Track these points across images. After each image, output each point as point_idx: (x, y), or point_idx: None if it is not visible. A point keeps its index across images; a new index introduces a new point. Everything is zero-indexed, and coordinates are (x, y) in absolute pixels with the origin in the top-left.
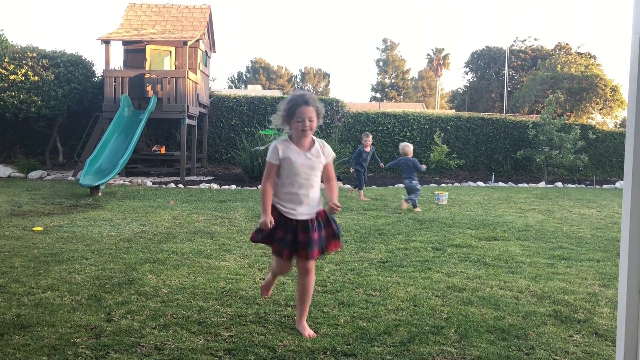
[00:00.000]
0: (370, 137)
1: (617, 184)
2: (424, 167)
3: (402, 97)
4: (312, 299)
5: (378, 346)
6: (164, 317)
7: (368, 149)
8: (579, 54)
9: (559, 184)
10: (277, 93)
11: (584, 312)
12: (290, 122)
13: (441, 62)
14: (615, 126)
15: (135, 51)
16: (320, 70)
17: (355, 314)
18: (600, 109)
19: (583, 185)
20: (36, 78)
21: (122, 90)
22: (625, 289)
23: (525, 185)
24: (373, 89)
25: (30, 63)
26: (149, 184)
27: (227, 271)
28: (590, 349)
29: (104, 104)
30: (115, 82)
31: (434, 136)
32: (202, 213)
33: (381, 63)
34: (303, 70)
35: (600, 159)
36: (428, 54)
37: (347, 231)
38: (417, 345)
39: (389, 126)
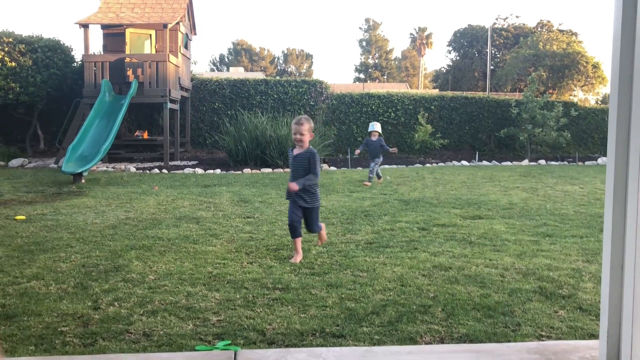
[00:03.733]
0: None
1: (599, 161)
2: (394, 149)
3: (385, 77)
4: (300, 281)
5: (366, 326)
6: (152, 304)
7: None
8: (560, 31)
9: (542, 162)
10: (260, 75)
11: (568, 287)
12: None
13: (424, 42)
14: (597, 103)
15: (114, 35)
16: (303, 51)
17: (343, 295)
18: (582, 86)
19: (566, 162)
20: (13, 64)
21: (103, 75)
22: (608, 264)
23: (509, 163)
24: (357, 70)
25: (7, 49)
26: (133, 169)
27: (214, 256)
28: (574, 323)
29: (85, 89)
30: (95, 67)
31: (418, 116)
32: (187, 198)
33: (364, 43)
34: (286, 52)
35: (583, 135)
36: (411, 34)
37: (333, 213)
38: (405, 325)
39: (373, 107)
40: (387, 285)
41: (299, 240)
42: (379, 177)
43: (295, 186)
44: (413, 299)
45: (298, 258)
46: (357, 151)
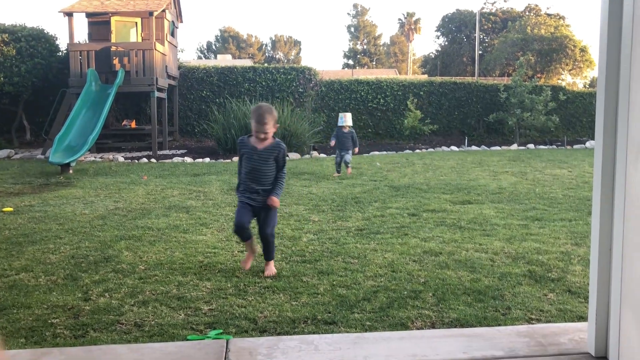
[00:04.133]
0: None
1: (588, 144)
2: (356, 149)
3: (374, 63)
4: (291, 269)
5: (358, 313)
6: (143, 294)
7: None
8: (548, 15)
9: (531, 146)
10: (247, 62)
11: (557, 271)
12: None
13: (412, 27)
14: (585, 86)
15: (99, 23)
16: (291, 37)
17: (334, 282)
18: (570, 70)
19: (554, 146)
20: None
21: (88, 64)
22: (597, 247)
23: (498, 148)
24: (345, 56)
25: None
26: (121, 159)
27: (204, 245)
28: (564, 306)
29: (70, 79)
30: (80, 56)
31: (407, 102)
32: (176, 187)
33: (352, 29)
34: (273, 39)
35: (571, 119)
36: (399, 19)
37: (324, 200)
38: (396, 310)
39: (362, 93)
40: (378, 271)
41: (250, 242)
42: (347, 164)
43: (277, 202)
44: (404, 284)
45: (249, 263)
46: (332, 142)
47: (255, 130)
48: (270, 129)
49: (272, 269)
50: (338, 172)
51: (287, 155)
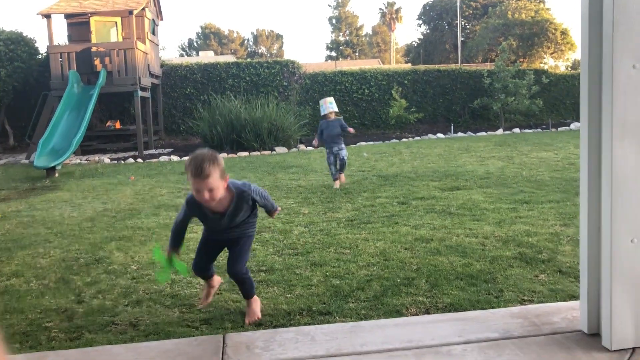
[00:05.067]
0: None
1: (572, 126)
2: (350, 129)
3: (357, 54)
4: (284, 262)
5: (352, 302)
6: (136, 293)
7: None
8: None
9: (517, 130)
10: (230, 58)
11: (547, 252)
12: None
13: (394, 16)
14: (567, 69)
15: (79, 24)
16: (272, 32)
17: (327, 273)
18: (552, 53)
19: (539, 130)
20: None
21: (69, 66)
22: (585, 226)
23: (484, 133)
24: (328, 48)
25: None
26: (107, 160)
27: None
28: (555, 286)
29: (52, 81)
30: (61, 58)
31: (392, 91)
32: (164, 186)
33: (334, 21)
34: (255, 33)
35: (555, 102)
36: (380, 9)
37: (313, 192)
38: (390, 298)
39: (346, 85)
40: (370, 260)
41: (212, 279)
42: (342, 166)
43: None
44: (397, 272)
45: (209, 299)
46: (315, 142)
47: (196, 190)
48: (216, 184)
49: (255, 310)
50: (336, 178)
51: (259, 194)
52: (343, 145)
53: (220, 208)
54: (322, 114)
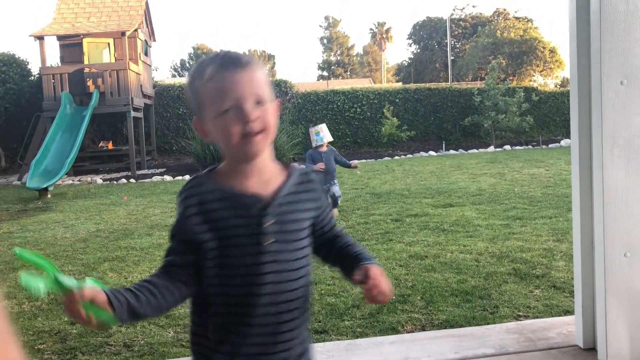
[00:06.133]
0: (325, 134)
1: (562, 142)
2: (354, 162)
3: (348, 73)
4: None
5: (348, 320)
6: None
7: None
8: (516, 18)
9: (507, 147)
10: None
11: (541, 267)
12: None
13: (384, 36)
14: (556, 86)
15: (71, 45)
16: (264, 52)
17: (323, 291)
18: (541, 71)
19: (530, 146)
20: None
21: (62, 87)
22: (579, 241)
23: (475, 151)
24: (319, 68)
25: None
26: (100, 181)
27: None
28: (550, 301)
29: (44, 102)
30: (53, 79)
31: (384, 110)
32: (157, 206)
33: (325, 41)
34: (247, 53)
35: (545, 119)
36: (371, 29)
37: None
38: (386, 316)
39: (339, 103)
40: None
41: None
42: (335, 203)
43: None
44: (392, 289)
45: None
46: (322, 164)
47: (230, 102)
48: (268, 93)
49: None
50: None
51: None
52: (336, 181)
53: (262, 187)
54: (315, 144)
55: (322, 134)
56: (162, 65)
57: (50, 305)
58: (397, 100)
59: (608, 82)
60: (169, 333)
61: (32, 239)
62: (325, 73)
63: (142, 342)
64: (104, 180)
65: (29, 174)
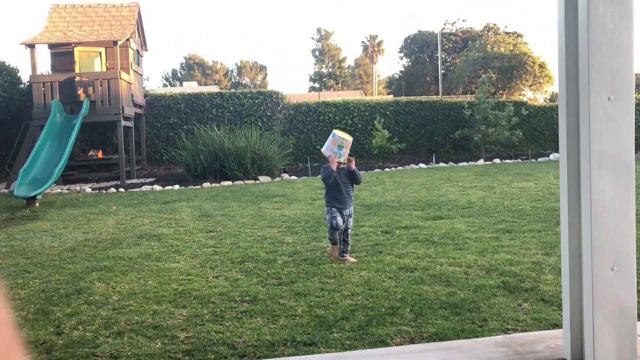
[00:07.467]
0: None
1: (551, 157)
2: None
3: (340, 85)
4: (267, 292)
5: (337, 332)
6: (117, 325)
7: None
8: (507, 33)
9: (497, 160)
10: (214, 89)
11: (530, 280)
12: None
13: (376, 49)
14: (545, 101)
15: (63, 54)
16: (256, 63)
17: (312, 303)
18: (531, 86)
19: (519, 160)
20: None
21: (52, 95)
22: (567, 255)
23: (465, 164)
24: (311, 79)
25: None
26: (88, 190)
27: (178, 272)
28: (538, 315)
29: (34, 110)
30: (44, 87)
31: (375, 122)
32: (146, 216)
33: (317, 53)
34: (239, 64)
35: (534, 133)
36: (362, 42)
37: (297, 222)
38: (375, 328)
39: (330, 115)
40: (354, 290)
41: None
42: (347, 239)
43: None
44: (381, 302)
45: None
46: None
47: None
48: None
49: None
50: (335, 242)
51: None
52: (352, 208)
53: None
54: (339, 159)
55: (343, 150)
56: (154, 74)
57: (37, 315)
58: (388, 112)
59: (596, 98)
60: (157, 344)
61: (19, 247)
62: (316, 85)
63: (129, 353)
64: (93, 189)
65: (17, 182)
